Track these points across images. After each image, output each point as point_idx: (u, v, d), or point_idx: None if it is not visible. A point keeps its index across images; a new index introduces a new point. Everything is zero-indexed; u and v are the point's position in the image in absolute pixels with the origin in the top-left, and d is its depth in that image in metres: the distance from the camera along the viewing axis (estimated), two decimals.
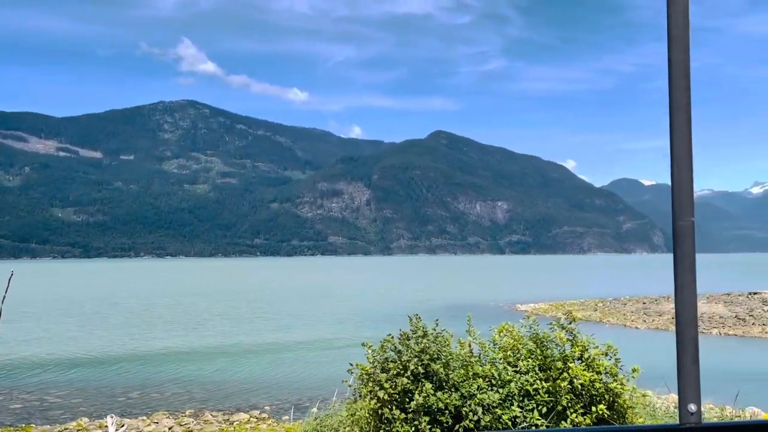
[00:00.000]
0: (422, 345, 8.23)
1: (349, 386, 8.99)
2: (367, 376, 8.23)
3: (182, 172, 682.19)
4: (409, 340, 8.40)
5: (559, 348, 8.24)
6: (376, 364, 8.37)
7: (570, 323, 8.43)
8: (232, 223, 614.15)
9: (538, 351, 8.22)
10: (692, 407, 4.00)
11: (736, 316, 52.53)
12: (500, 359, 8.39)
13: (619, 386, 7.75)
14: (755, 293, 64.03)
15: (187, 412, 23.35)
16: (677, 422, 3.73)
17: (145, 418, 22.36)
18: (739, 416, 18.46)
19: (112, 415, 20.08)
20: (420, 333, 8.41)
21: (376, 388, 7.90)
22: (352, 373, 8.71)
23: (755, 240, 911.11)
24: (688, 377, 3.96)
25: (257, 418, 22.40)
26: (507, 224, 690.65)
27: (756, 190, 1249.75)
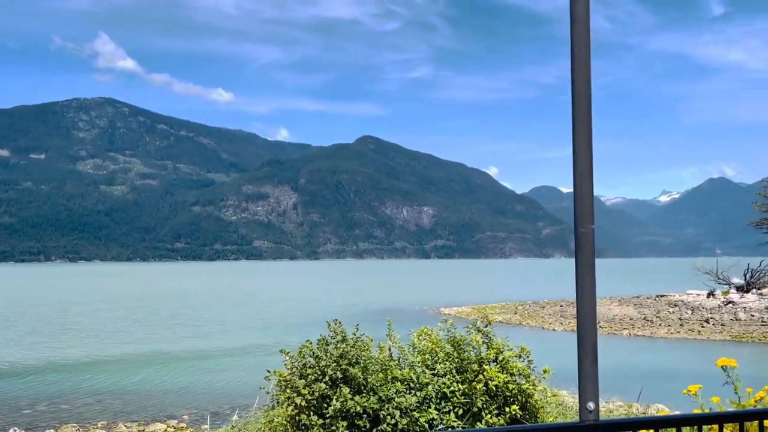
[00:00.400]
0: (341, 350, 8.22)
1: (267, 393, 8.86)
2: (285, 383, 8.15)
3: (98, 173, 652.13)
4: (328, 345, 8.39)
5: (475, 351, 8.44)
6: (294, 370, 8.30)
7: (486, 326, 8.66)
8: (152, 226, 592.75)
9: (456, 354, 8.39)
10: (591, 405, 4.19)
11: (644, 318, 55.48)
12: (419, 363, 8.52)
13: (531, 387, 8.03)
14: (662, 296, 67.85)
15: (99, 424, 22.28)
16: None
17: (52, 431, 21.18)
18: (645, 413, 19.50)
19: (16, 429, 18.93)
20: (339, 338, 8.41)
21: (294, 395, 7.84)
22: (269, 380, 8.59)
23: (663, 245, 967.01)
24: (587, 377, 4.15)
25: (175, 427, 21.67)
26: (432, 229, 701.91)
27: (664, 199, 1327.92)
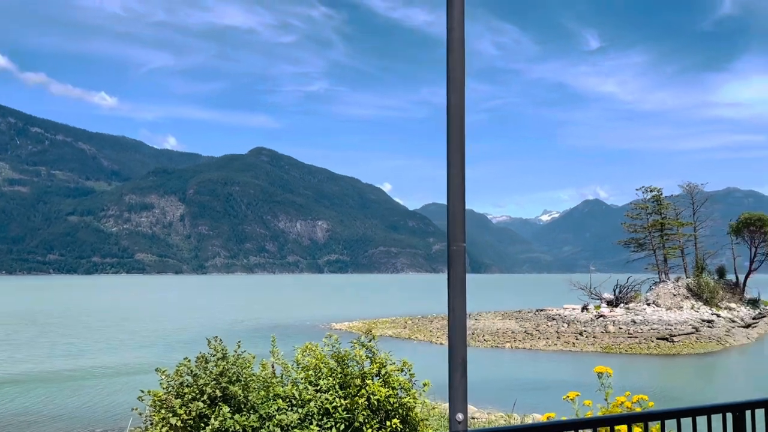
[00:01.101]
0: (221, 367, 7.98)
1: (140, 414, 8.40)
2: (160, 403, 7.77)
3: None
4: (207, 363, 8.11)
5: (359, 365, 8.49)
6: (170, 389, 7.94)
7: (370, 341, 8.74)
8: (21, 236, 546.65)
9: (339, 369, 8.40)
10: (460, 416, 4.35)
11: (525, 331, 58.32)
12: (302, 379, 8.44)
13: (411, 400, 8.20)
14: (541, 310, 71.69)
15: None
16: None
17: None
18: (523, 422, 20.45)
19: None
20: (219, 355, 8.16)
21: (169, 415, 7.50)
22: (143, 400, 8.16)
23: (544, 262, 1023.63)
24: (456, 390, 4.31)
25: None
26: (326, 243, 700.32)
27: (545, 218, 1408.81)
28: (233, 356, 8.30)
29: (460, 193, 4.36)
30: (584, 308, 65.35)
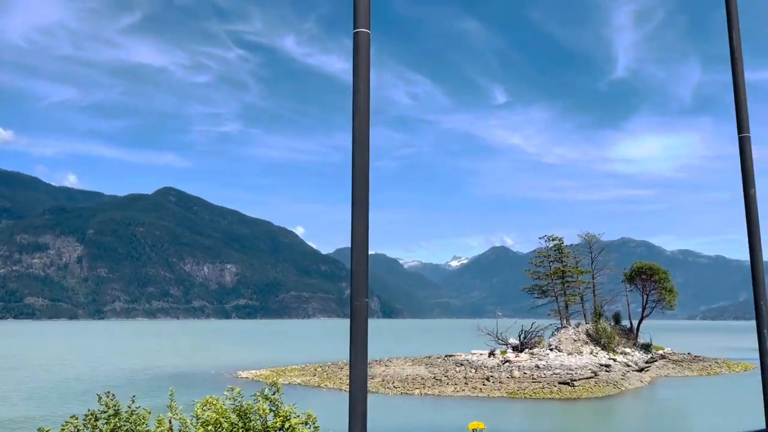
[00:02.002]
0: (113, 424, 7.49)
1: None
2: None
3: None
4: (97, 420, 7.59)
5: (261, 419, 8.22)
6: None
7: (274, 393, 8.51)
8: None
9: (241, 424, 8.09)
10: None
11: (434, 377, 58.69)
12: None
13: None
14: (450, 355, 72.52)
15: None
16: None
17: None
18: None
19: None
20: (111, 412, 7.66)
21: None
22: None
23: (454, 307, 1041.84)
24: None
25: None
26: (235, 288, 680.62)
27: (455, 264, 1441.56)
28: (126, 412, 7.81)
29: (364, 250, 4.43)
30: (491, 353, 66.78)
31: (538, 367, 59.37)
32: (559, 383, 53.85)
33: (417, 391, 53.36)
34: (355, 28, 3.94)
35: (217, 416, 8.25)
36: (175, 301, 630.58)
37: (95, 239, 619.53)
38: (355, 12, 3.91)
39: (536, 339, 68.90)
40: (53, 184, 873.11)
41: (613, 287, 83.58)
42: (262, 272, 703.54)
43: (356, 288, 4.31)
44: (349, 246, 4.32)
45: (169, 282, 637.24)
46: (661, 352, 76.37)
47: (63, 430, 7.38)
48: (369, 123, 4.20)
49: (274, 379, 59.11)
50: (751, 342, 6.52)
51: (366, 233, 4.44)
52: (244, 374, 64.01)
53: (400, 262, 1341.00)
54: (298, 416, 8.36)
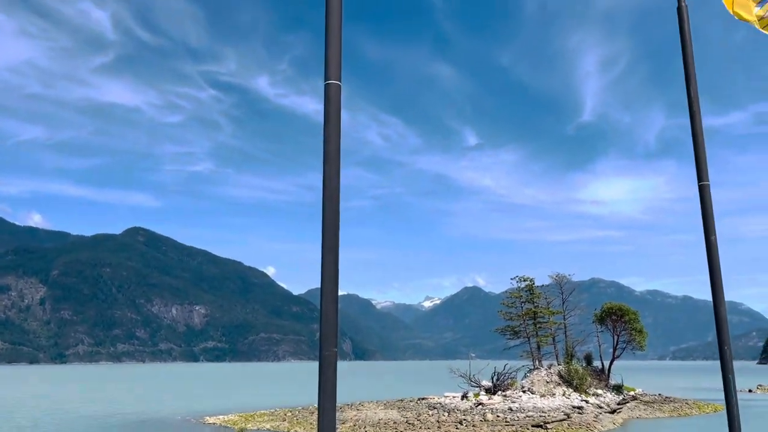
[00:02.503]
0: None
1: None
2: None
3: None
4: None
5: None
6: None
7: None
8: None
9: None
10: None
11: (407, 421, 57.75)
12: None
13: None
14: (423, 398, 71.62)
15: None
16: None
17: None
18: None
19: None
20: None
21: None
22: None
23: (426, 348, 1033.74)
24: None
25: None
26: (203, 330, 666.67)
27: (427, 304, 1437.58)
28: None
29: (334, 298, 4.42)
30: (464, 396, 66.15)
31: (511, 410, 58.94)
32: (532, 426, 53.46)
33: None
34: (326, 80, 4.02)
35: None
36: (141, 343, 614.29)
37: (59, 280, 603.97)
38: (326, 64, 4.00)
39: (509, 381, 68.56)
40: (17, 223, 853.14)
41: (585, 328, 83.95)
42: (231, 313, 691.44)
43: (325, 336, 4.28)
44: (320, 287, 4.30)
45: (136, 324, 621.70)
46: (632, 393, 76.57)
47: None
48: (339, 172, 4.24)
49: (243, 424, 57.56)
50: (719, 383, 6.62)
51: (336, 280, 4.44)
52: (211, 420, 62.21)
53: (373, 302, 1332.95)
54: None
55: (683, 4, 7.08)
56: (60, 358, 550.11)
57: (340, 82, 4.01)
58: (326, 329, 4.39)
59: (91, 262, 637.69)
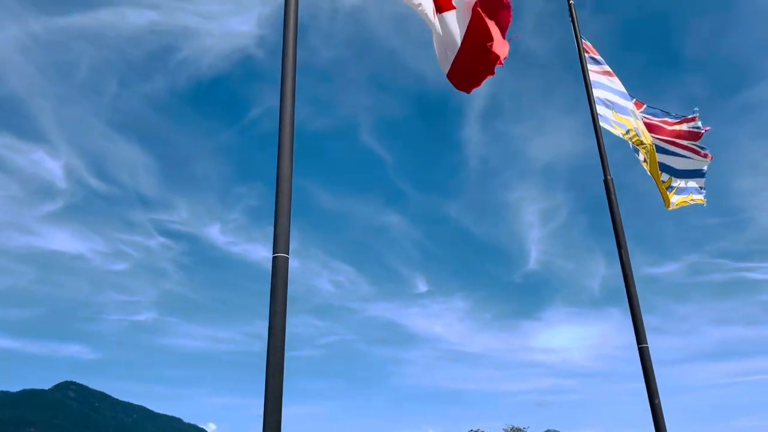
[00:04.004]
0: None
1: None
2: None
3: None
4: None
5: None
6: None
7: None
8: None
9: None
10: None
11: None
12: None
13: None
14: None
15: None
16: None
17: None
18: None
19: None
20: None
21: None
22: None
23: None
24: None
25: None
26: None
27: None
28: None
29: None
30: None
31: None
32: None
33: None
34: (274, 252, 4.11)
35: None
36: None
37: None
38: (275, 239, 4.10)
39: None
40: None
41: None
42: None
43: None
44: None
45: None
46: None
47: None
48: (284, 348, 4.19)
49: None
50: None
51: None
52: None
53: None
54: None
55: (609, 176, 7.75)
56: None
57: (287, 255, 4.11)
58: None
59: (13, 421, 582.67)
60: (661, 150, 10.67)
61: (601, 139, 8.16)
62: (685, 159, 10.89)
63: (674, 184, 10.87)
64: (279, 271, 4.07)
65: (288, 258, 4.10)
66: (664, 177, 10.74)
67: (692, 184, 10.97)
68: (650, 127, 10.67)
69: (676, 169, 10.93)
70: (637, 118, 10.18)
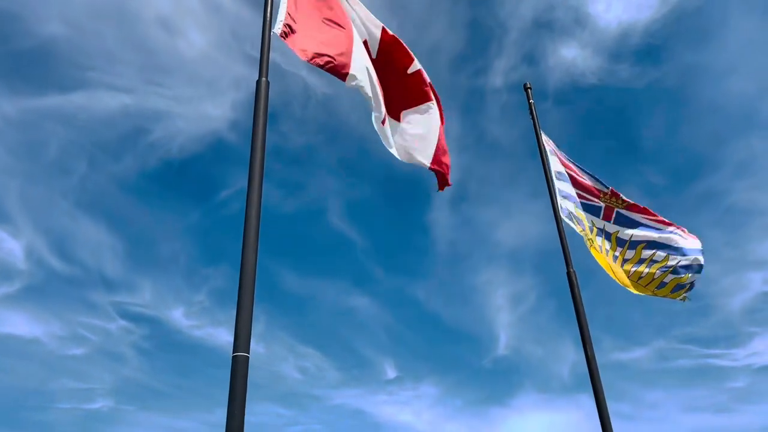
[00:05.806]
0: None
1: None
2: None
3: None
4: None
5: None
6: None
7: None
8: None
9: None
10: None
11: None
12: None
13: None
14: None
15: None
16: None
17: None
18: None
19: None
20: None
21: None
22: None
23: None
24: None
25: None
26: None
27: None
28: None
29: None
30: None
31: None
32: None
33: None
34: (234, 351, 3.99)
35: None
36: None
37: None
38: (235, 338, 4.00)
39: None
40: None
41: None
42: None
43: None
44: None
45: None
46: None
47: None
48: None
49: None
50: None
51: None
52: None
53: None
54: None
55: (571, 269, 7.84)
56: None
57: (248, 353, 4.00)
58: None
59: None
60: (640, 225, 9.66)
61: (563, 233, 8.26)
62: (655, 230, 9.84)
63: (671, 263, 9.73)
64: (238, 371, 3.95)
65: (248, 357, 4.00)
66: (654, 254, 9.48)
67: (684, 262, 9.81)
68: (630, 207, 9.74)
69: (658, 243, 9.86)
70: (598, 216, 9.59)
